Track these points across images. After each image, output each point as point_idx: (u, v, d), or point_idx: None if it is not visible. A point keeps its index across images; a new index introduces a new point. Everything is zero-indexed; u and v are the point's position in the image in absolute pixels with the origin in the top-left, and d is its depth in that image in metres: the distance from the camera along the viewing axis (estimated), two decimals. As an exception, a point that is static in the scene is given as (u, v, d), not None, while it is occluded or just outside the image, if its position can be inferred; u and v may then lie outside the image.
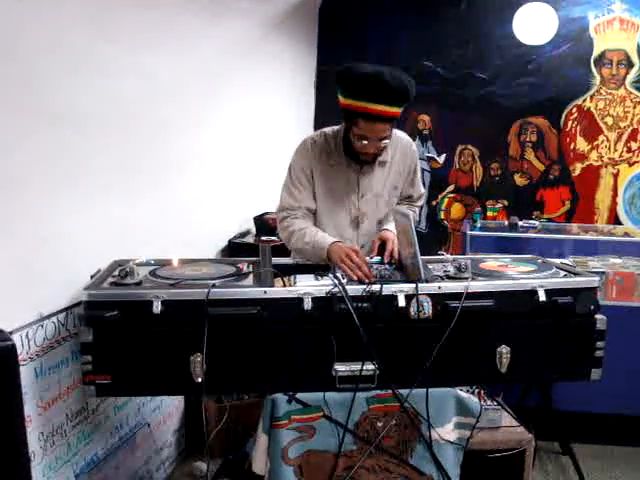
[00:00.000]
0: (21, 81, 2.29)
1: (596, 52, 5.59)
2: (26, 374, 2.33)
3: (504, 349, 2.40)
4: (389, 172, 2.96)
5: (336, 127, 2.94)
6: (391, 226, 2.88)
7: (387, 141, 2.76)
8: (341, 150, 2.88)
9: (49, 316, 2.50)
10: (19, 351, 2.22)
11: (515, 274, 2.57)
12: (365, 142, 2.71)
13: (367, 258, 2.69)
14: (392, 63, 5.50)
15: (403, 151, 2.99)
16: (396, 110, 2.65)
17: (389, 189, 2.98)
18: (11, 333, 2.13)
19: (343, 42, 5.91)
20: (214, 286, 2.28)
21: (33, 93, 2.36)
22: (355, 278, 2.47)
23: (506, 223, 5.01)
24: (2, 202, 2.22)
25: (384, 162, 2.92)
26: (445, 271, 2.56)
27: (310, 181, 2.92)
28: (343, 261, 2.55)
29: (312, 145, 2.92)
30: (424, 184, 6.08)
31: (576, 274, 2.58)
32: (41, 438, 2.47)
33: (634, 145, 5.68)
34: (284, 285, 2.42)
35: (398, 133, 3.00)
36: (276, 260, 2.73)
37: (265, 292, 2.30)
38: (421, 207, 3.24)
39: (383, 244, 2.81)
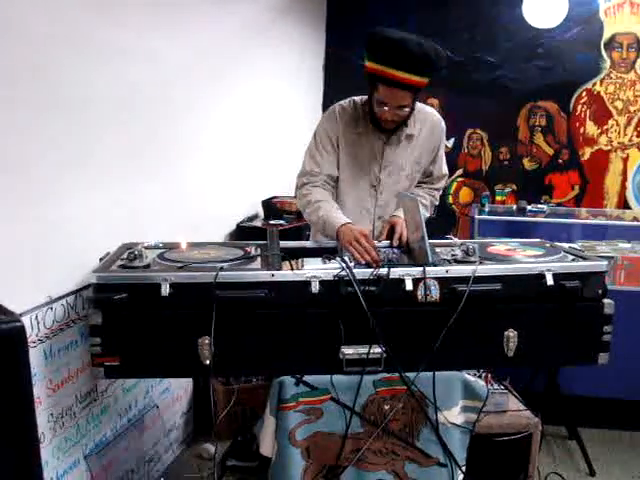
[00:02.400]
0: (29, 67, 2.29)
1: (606, 35, 5.56)
2: (36, 356, 2.35)
3: (511, 333, 2.40)
4: (415, 146, 2.97)
5: (365, 96, 2.93)
6: (400, 212, 2.89)
7: (407, 110, 2.77)
8: (368, 119, 2.89)
9: (58, 299, 2.51)
10: (29, 333, 2.24)
11: (523, 258, 2.56)
12: (385, 108, 2.73)
13: (375, 242, 2.70)
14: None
15: (431, 127, 3.00)
16: (418, 79, 2.63)
17: (412, 163, 2.99)
18: (21, 315, 2.14)
19: (351, 25, 5.89)
20: (222, 269, 2.29)
21: (41, 78, 2.36)
22: (363, 262, 2.48)
23: (514, 207, 5.00)
24: (13, 186, 2.24)
25: (411, 136, 2.94)
26: (453, 255, 2.56)
27: (335, 147, 2.93)
28: (352, 244, 2.56)
29: (340, 112, 2.94)
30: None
31: (584, 258, 2.57)
32: (50, 419, 2.49)
33: (644, 129, 5.66)
34: (292, 268, 2.43)
35: (428, 109, 3.04)
36: (284, 244, 2.73)
37: (273, 275, 2.30)
38: (441, 191, 3.23)
39: (392, 228, 2.83)
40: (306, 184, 2.93)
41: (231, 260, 2.46)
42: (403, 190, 2.99)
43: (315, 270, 2.35)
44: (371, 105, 2.82)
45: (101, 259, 2.52)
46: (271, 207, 4.68)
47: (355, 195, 2.98)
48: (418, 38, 2.60)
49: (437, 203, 3.21)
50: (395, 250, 2.72)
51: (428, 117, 3.00)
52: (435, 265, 2.40)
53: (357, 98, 2.97)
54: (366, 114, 2.90)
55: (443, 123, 3.07)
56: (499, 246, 2.77)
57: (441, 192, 3.23)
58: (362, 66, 2.75)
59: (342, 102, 2.98)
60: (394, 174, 2.97)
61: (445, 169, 3.20)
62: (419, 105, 2.97)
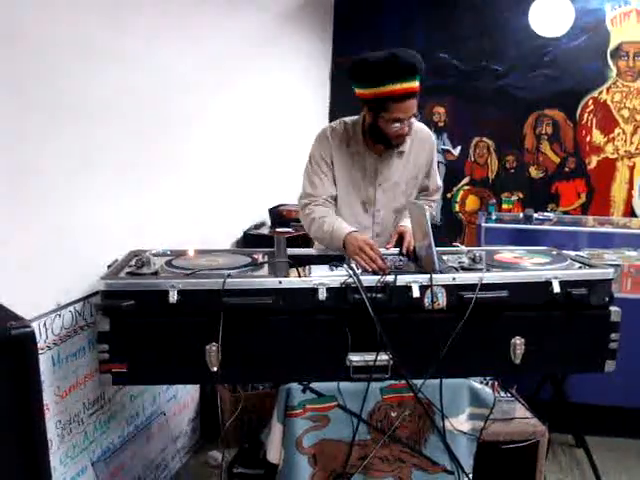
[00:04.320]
0: (40, 76, 2.31)
1: (612, 44, 5.57)
2: (43, 363, 2.36)
3: (518, 340, 2.40)
4: (407, 162, 2.97)
5: (355, 117, 2.96)
6: (408, 222, 2.91)
7: (415, 117, 2.80)
8: (360, 138, 2.91)
9: (66, 305, 2.53)
10: (37, 340, 2.24)
11: (529, 266, 2.57)
12: (398, 124, 2.73)
13: (383, 250, 2.71)
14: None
15: (422, 142, 3.01)
16: (418, 84, 2.68)
17: (407, 179, 2.99)
18: (29, 322, 2.15)
19: (359, 34, 5.91)
20: (229, 276, 2.30)
21: (50, 86, 2.38)
22: (369, 270, 2.49)
23: (521, 215, 4.99)
24: (22, 193, 2.25)
25: (402, 152, 2.94)
26: (460, 262, 2.56)
27: (330, 168, 2.94)
28: (357, 254, 2.57)
29: (331, 133, 2.95)
30: (440, 176, 6.14)
31: (591, 266, 2.57)
32: (58, 426, 2.50)
33: (650, 138, 5.66)
34: (299, 275, 2.44)
35: (417, 124, 3.00)
36: (291, 251, 2.74)
37: (280, 282, 2.31)
38: (437, 203, 3.24)
39: (401, 237, 2.84)
40: (308, 205, 2.94)
41: (239, 267, 2.47)
42: (400, 206, 3.02)
43: (322, 277, 2.36)
44: (377, 129, 2.80)
45: (109, 266, 2.53)
46: (278, 215, 4.69)
47: (351, 214, 2.98)
48: (395, 50, 2.67)
49: (434, 213, 3.23)
50: (402, 257, 2.72)
51: (417, 132, 3.00)
52: (442, 272, 2.41)
53: (347, 119, 3.00)
54: (357, 134, 2.92)
55: (433, 137, 3.10)
56: (506, 254, 2.77)
57: (437, 204, 3.25)
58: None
59: (332, 124, 3.00)
60: (389, 191, 2.98)
61: (439, 182, 3.23)
62: None
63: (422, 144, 3.01)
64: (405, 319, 2.36)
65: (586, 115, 5.73)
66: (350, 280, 2.31)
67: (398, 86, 2.62)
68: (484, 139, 6.00)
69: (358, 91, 2.74)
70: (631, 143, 5.69)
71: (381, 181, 2.95)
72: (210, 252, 2.75)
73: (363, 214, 2.99)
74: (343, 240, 2.70)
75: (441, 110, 6.02)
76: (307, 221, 2.94)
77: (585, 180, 5.84)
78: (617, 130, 5.70)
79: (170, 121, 3.32)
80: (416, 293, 2.33)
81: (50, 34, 2.35)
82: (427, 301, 2.34)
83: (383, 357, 2.34)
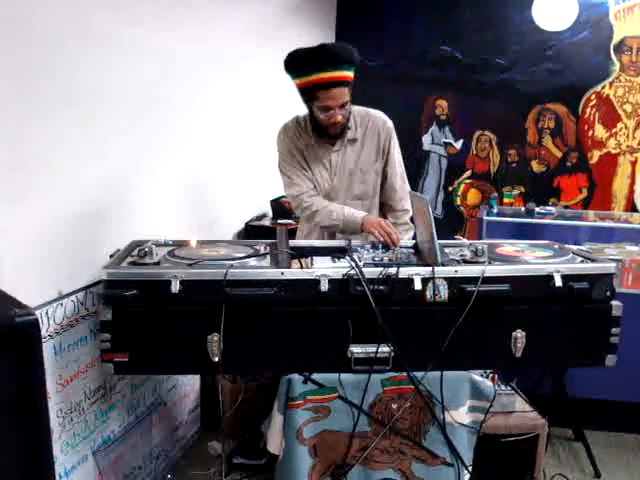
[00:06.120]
0: (42, 64, 2.30)
1: (616, 39, 5.57)
2: (45, 351, 2.32)
3: (519, 334, 2.40)
4: (361, 149, 3.07)
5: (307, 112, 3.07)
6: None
7: (348, 107, 2.91)
8: (310, 130, 3.02)
9: (69, 294, 2.52)
10: (39, 328, 2.25)
11: (531, 259, 2.57)
12: (330, 112, 2.86)
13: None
14: (410, 48, 5.57)
15: (374, 128, 3.09)
16: (347, 74, 2.81)
17: (362, 165, 3.07)
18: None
19: (361, 27, 5.90)
20: (232, 267, 2.30)
21: (54, 76, 2.37)
22: (388, 241, 2.67)
23: (522, 209, 4.99)
24: (24, 182, 2.25)
25: (354, 140, 3.05)
26: (462, 255, 2.56)
27: (297, 160, 3.06)
28: (376, 227, 2.75)
29: (286, 129, 3.11)
30: (440, 170, 6.14)
31: (592, 260, 2.57)
32: (59, 415, 2.50)
33: (653, 133, 5.65)
34: (301, 267, 2.43)
35: (371, 112, 3.13)
36: (293, 242, 2.74)
37: (282, 273, 2.31)
38: (410, 229, 3.20)
39: None
40: (299, 195, 3.04)
41: (241, 258, 2.47)
42: (361, 194, 3.10)
43: (324, 269, 2.36)
44: (314, 118, 2.96)
45: (111, 256, 2.53)
46: (279, 206, 4.69)
47: None
48: (328, 43, 2.88)
49: (408, 240, 3.04)
50: (404, 250, 2.72)
51: (371, 119, 3.10)
52: (444, 265, 2.41)
53: (300, 114, 3.12)
54: (308, 127, 3.04)
55: (389, 123, 3.14)
56: (507, 247, 2.77)
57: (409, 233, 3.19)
58: (356, 71, 2.87)
59: (286, 121, 3.14)
60: (345, 179, 3.08)
61: (399, 167, 3.19)
62: (362, 110, 3.09)
63: (375, 129, 3.09)
64: (407, 311, 2.37)
65: (589, 110, 5.73)
66: (352, 272, 2.31)
67: (323, 75, 2.76)
68: (486, 133, 6.00)
69: (294, 82, 2.91)
70: (633, 138, 5.69)
71: (336, 169, 3.06)
72: (212, 243, 2.75)
73: None
74: (361, 224, 2.85)
75: (443, 103, 6.01)
76: (307, 213, 3.03)
77: (587, 175, 5.85)
78: (619, 125, 5.70)
79: (173, 112, 3.31)
80: (418, 285, 2.33)
81: (51, 22, 2.34)
82: (429, 293, 2.35)
83: (384, 349, 2.35)
